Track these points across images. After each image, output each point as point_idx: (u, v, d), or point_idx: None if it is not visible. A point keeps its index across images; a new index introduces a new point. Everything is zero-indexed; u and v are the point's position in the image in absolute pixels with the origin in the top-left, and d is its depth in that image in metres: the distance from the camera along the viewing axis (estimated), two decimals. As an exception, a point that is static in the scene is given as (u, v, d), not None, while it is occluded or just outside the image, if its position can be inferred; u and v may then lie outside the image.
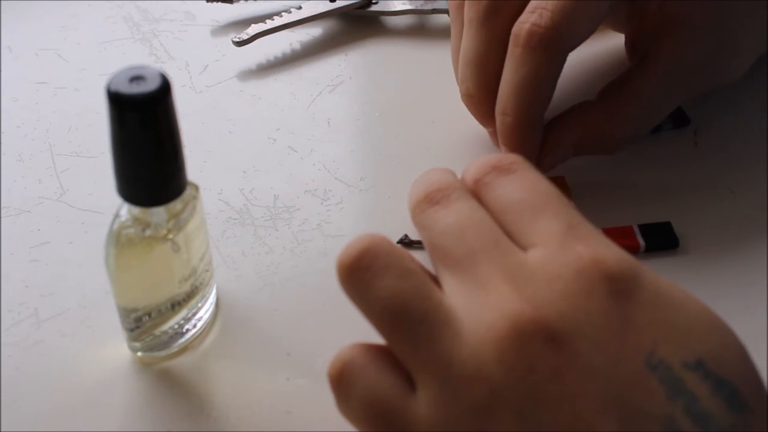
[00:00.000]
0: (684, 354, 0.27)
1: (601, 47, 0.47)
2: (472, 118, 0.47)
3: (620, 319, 0.28)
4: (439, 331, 0.28)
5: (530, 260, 0.29)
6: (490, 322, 0.28)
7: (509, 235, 0.30)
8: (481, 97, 0.42)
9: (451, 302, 0.29)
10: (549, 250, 0.29)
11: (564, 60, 0.40)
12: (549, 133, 0.42)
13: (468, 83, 0.43)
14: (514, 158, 0.32)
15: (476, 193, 0.32)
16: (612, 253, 0.29)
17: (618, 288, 0.28)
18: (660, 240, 0.42)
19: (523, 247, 0.30)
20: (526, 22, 0.39)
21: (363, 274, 0.30)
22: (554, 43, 0.39)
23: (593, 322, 0.27)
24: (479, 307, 0.28)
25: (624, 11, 0.44)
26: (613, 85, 0.43)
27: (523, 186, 0.31)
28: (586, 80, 0.48)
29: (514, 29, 0.40)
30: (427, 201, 0.32)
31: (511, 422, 0.27)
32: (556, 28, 0.39)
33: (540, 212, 0.30)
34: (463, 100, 0.44)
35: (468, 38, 0.42)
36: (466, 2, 0.42)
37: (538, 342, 0.27)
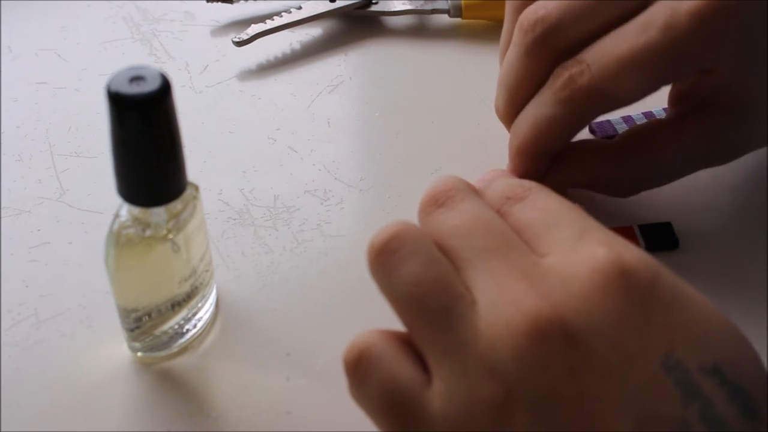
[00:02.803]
0: (701, 358, 0.27)
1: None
2: (472, 118, 0.47)
3: (637, 317, 0.27)
4: (457, 324, 0.28)
5: (545, 262, 0.29)
6: (507, 318, 0.28)
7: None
8: (507, 120, 0.42)
9: (472, 296, 0.29)
10: (563, 253, 0.29)
11: (590, 119, 0.40)
12: (557, 168, 0.41)
13: (498, 101, 0.42)
14: (527, 185, 0.33)
15: None
16: (629, 252, 0.29)
17: (636, 286, 0.28)
18: (660, 240, 0.42)
19: (539, 256, 0.30)
20: (567, 70, 0.38)
21: (389, 258, 0.30)
22: (583, 104, 0.38)
23: (610, 321, 0.27)
24: (496, 303, 0.28)
25: None
26: (637, 137, 0.41)
27: (535, 207, 0.32)
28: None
29: (557, 70, 0.38)
30: (432, 204, 0.32)
31: (526, 420, 0.27)
32: (591, 92, 0.37)
33: (552, 225, 0.30)
34: (496, 111, 0.43)
35: (509, 60, 0.41)
36: (517, 23, 0.40)
37: (554, 341, 0.27)
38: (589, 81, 0.37)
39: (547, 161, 0.41)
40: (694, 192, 0.44)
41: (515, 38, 0.40)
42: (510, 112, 0.41)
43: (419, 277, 0.29)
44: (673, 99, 0.42)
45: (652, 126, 0.41)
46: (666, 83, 0.38)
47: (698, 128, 0.40)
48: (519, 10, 0.41)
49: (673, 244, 0.41)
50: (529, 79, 0.40)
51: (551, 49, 0.39)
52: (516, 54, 0.40)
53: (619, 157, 0.41)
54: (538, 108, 0.39)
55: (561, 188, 0.41)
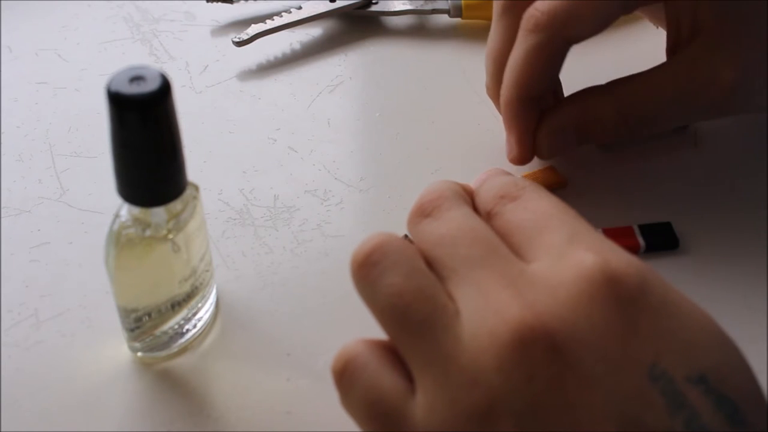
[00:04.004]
0: (687, 367, 0.27)
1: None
2: (472, 118, 0.47)
3: (624, 326, 0.27)
4: (440, 335, 0.28)
5: (531, 269, 0.29)
6: (490, 328, 0.27)
7: (515, 256, 0.30)
8: (495, 90, 0.43)
9: (456, 307, 0.29)
10: (550, 260, 0.29)
11: (562, 49, 0.40)
12: (549, 113, 0.42)
13: (487, 77, 0.44)
14: (520, 184, 0.33)
15: (489, 224, 0.32)
16: (617, 258, 0.28)
17: (623, 294, 0.28)
18: (660, 240, 0.41)
19: (527, 262, 0.30)
20: (532, 7, 0.40)
21: (371, 270, 0.30)
22: (550, 29, 0.39)
23: (595, 329, 0.27)
24: (480, 313, 0.28)
25: (666, 15, 0.43)
26: (628, 77, 0.42)
27: (526, 207, 0.31)
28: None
29: (525, 11, 0.40)
30: (419, 214, 0.32)
31: (510, 431, 0.26)
32: (552, 14, 0.39)
33: (542, 229, 0.30)
34: (486, 92, 0.45)
35: (490, 33, 0.43)
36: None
37: (538, 350, 0.27)
38: (551, 5, 0.39)
39: (537, 111, 0.41)
40: (694, 192, 0.44)
41: (494, 9, 0.43)
42: (496, 81, 0.43)
43: (401, 288, 0.29)
44: (669, 54, 0.43)
45: (644, 70, 0.42)
46: None
47: (684, 59, 0.41)
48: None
49: (673, 244, 0.41)
50: (507, 41, 0.42)
51: (518, 6, 0.41)
52: (493, 24, 0.42)
53: (607, 92, 0.42)
54: (514, 52, 0.41)
55: (558, 135, 0.42)
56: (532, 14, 0.40)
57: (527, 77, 0.40)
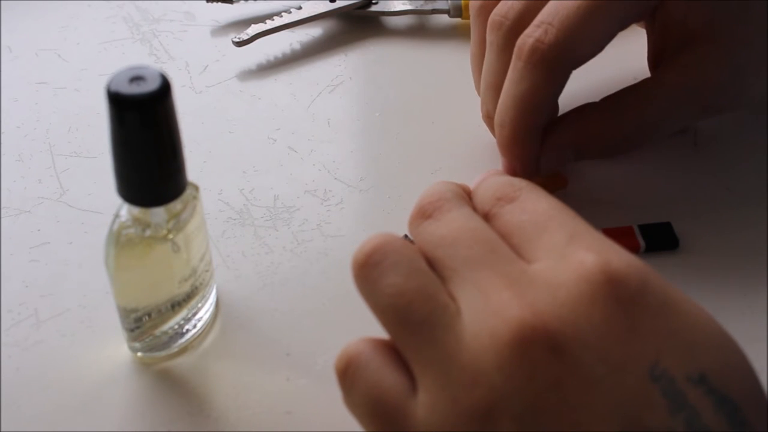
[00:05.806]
0: (688, 367, 0.27)
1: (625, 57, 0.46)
2: (472, 118, 0.47)
3: (624, 326, 0.27)
4: (441, 334, 0.28)
5: (532, 269, 0.29)
6: (491, 328, 0.28)
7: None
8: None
9: (457, 307, 0.29)
10: (551, 260, 0.29)
11: (566, 77, 0.40)
12: (548, 133, 0.41)
13: (488, 105, 0.42)
14: (517, 185, 0.33)
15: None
16: (618, 258, 0.28)
17: (623, 294, 0.28)
18: (660, 240, 0.41)
19: (528, 263, 0.30)
20: (530, 36, 0.38)
21: (372, 271, 0.30)
22: (557, 61, 0.38)
23: (596, 330, 0.27)
24: (480, 313, 0.28)
25: (646, 26, 0.43)
26: (621, 91, 0.42)
27: (525, 208, 0.31)
28: (604, 88, 0.47)
29: (519, 42, 0.39)
30: (420, 215, 0.32)
31: (510, 431, 0.27)
32: (559, 47, 0.38)
33: (542, 229, 0.30)
34: (484, 121, 0.44)
35: (489, 61, 0.42)
36: (488, 21, 0.41)
37: (539, 350, 0.27)
38: (557, 36, 0.38)
39: (538, 142, 0.41)
40: (694, 192, 0.44)
41: (489, 39, 0.41)
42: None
43: (401, 288, 0.30)
44: (652, 65, 0.43)
45: (637, 83, 0.42)
46: (631, 12, 0.40)
47: (676, 71, 0.41)
48: (484, 12, 0.42)
49: (673, 244, 0.41)
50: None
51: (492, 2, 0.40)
52: (494, 53, 0.41)
53: (605, 108, 0.41)
54: (516, 85, 0.39)
55: (557, 153, 0.41)
56: (536, 47, 0.38)
57: (537, 111, 0.39)
